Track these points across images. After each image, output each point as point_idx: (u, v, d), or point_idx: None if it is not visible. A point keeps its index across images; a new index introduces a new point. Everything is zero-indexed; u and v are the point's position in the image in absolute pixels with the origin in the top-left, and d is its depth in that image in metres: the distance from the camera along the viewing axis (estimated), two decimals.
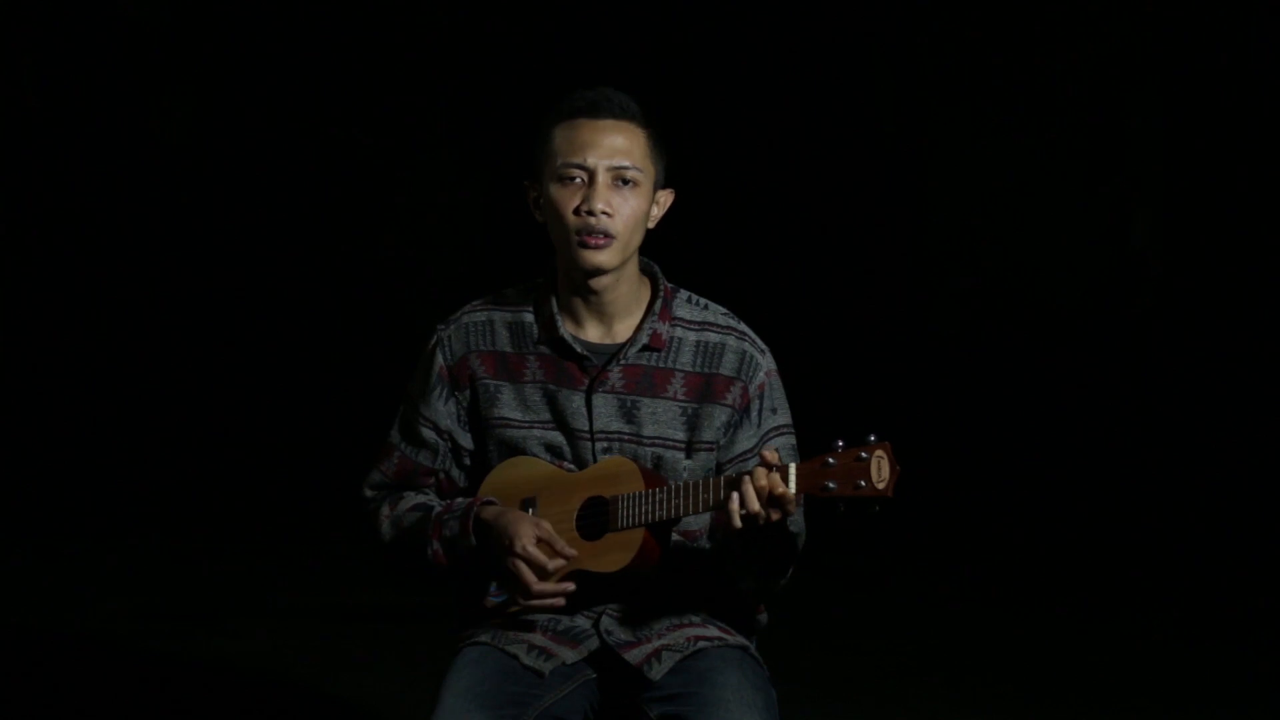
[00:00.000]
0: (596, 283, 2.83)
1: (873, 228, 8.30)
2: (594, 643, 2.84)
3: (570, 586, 2.77)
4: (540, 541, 2.76)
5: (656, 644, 2.84)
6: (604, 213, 2.78)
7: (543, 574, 2.76)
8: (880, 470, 2.61)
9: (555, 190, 2.81)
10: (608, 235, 2.79)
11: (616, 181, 2.80)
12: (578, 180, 2.80)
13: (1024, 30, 7.94)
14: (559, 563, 2.76)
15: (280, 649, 5.20)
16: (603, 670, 2.85)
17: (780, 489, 2.63)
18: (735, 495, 2.66)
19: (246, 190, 8.47)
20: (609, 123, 2.80)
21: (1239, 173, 7.59)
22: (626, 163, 2.79)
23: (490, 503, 2.84)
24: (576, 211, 2.79)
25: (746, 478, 2.66)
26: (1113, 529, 6.94)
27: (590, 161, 2.79)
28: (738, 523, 2.66)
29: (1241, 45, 7.55)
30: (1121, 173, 7.88)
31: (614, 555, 2.77)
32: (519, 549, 2.75)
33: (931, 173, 8.21)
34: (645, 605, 2.86)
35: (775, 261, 8.32)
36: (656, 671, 2.80)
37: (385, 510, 2.92)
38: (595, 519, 2.79)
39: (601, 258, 2.80)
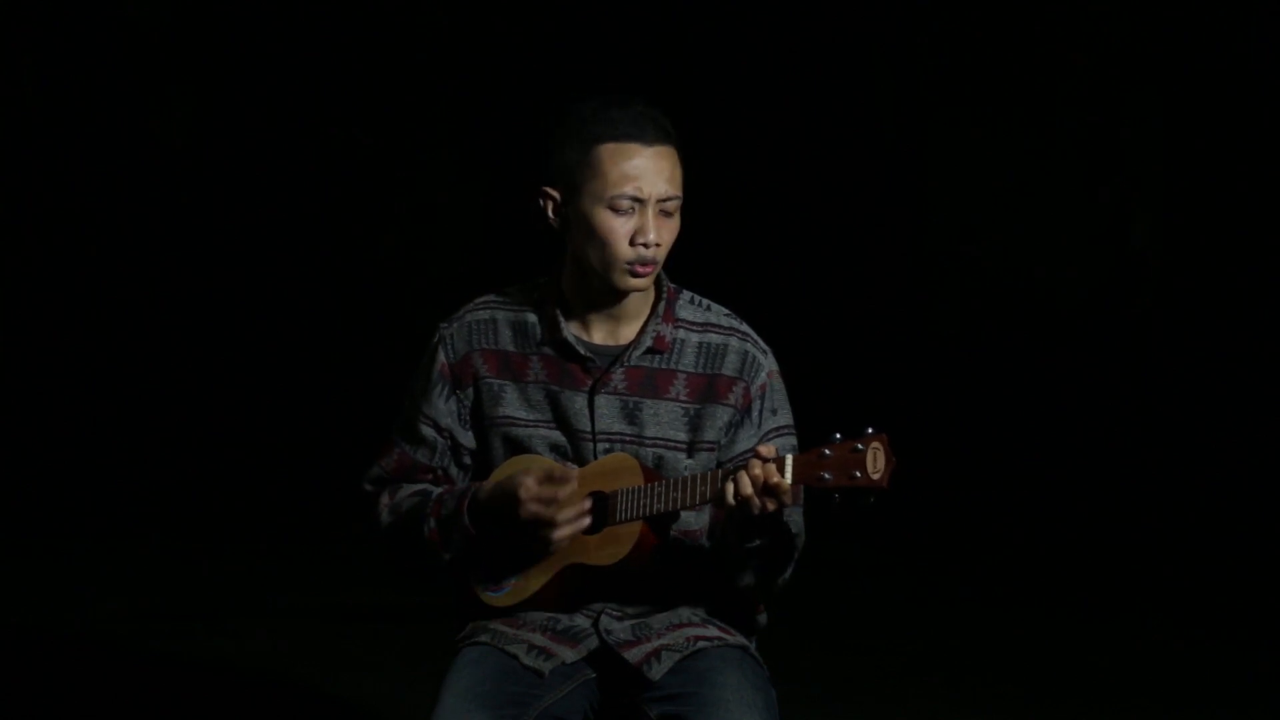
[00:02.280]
0: (624, 299, 2.85)
1: (873, 228, 8.30)
2: (593, 642, 2.84)
3: (587, 504, 2.78)
4: (542, 481, 2.76)
5: (656, 643, 2.84)
6: (657, 244, 2.79)
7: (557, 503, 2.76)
8: (876, 462, 2.62)
9: (603, 215, 2.79)
10: (655, 264, 2.81)
11: (663, 212, 2.81)
12: (631, 210, 2.80)
13: (1024, 30, 7.94)
14: (568, 488, 2.76)
15: (280, 649, 5.20)
16: (602, 670, 2.85)
17: (776, 478, 2.64)
18: (731, 485, 2.67)
19: (246, 190, 8.47)
20: (657, 149, 2.80)
21: (1239, 173, 7.59)
22: (673, 193, 2.80)
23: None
24: (632, 242, 2.79)
25: (743, 469, 2.66)
26: (1113, 529, 6.94)
27: (645, 191, 2.79)
28: (732, 502, 2.66)
29: (1241, 45, 7.55)
30: (1121, 173, 7.88)
31: (611, 548, 2.78)
32: (525, 494, 2.76)
33: (931, 173, 8.20)
34: (645, 605, 2.87)
35: (775, 262, 8.32)
36: (656, 671, 2.81)
37: (384, 499, 2.93)
38: (595, 514, 2.79)
39: (643, 283, 2.82)
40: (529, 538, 2.80)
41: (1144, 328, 7.84)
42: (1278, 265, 7.50)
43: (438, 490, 2.89)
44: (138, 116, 8.38)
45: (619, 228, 2.79)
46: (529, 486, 2.76)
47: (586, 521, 2.78)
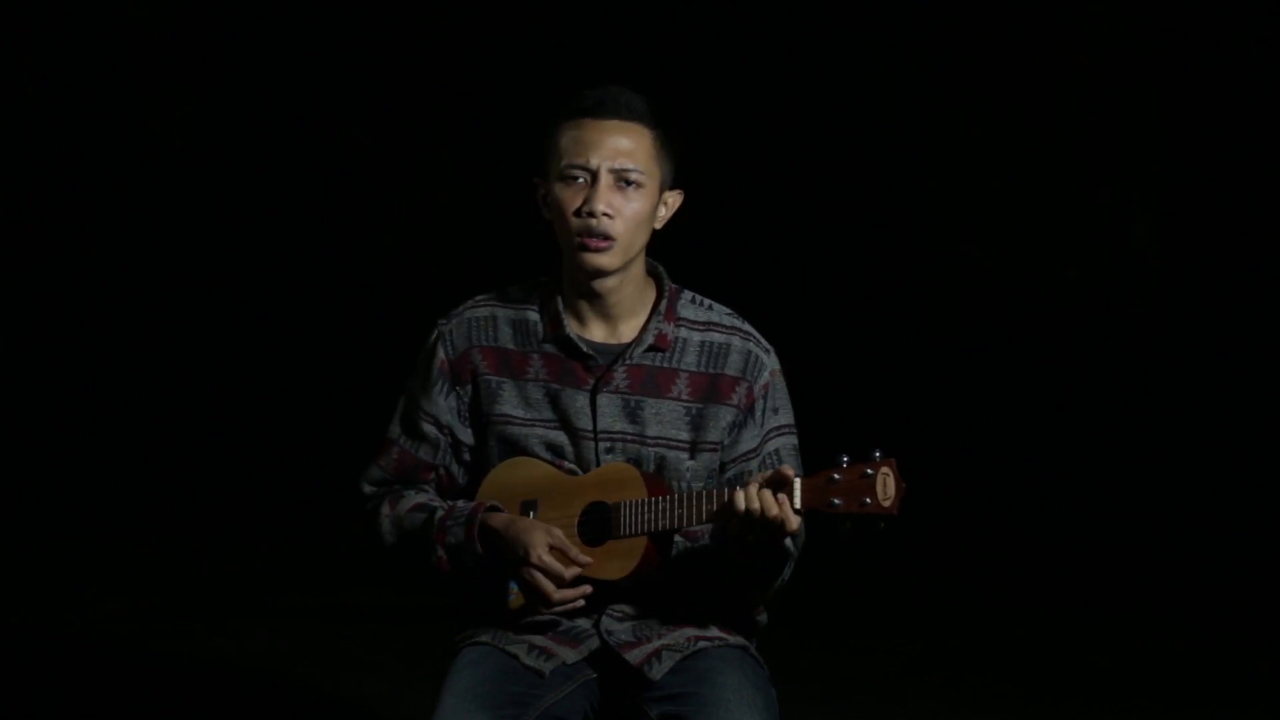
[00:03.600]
0: (600, 284, 2.83)
1: (873, 228, 8.30)
2: (594, 643, 2.84)
3: (587, 589, 2.77)
4: (553, 550, 2.76)
5: (657, 644, 2.83)
6: (605, 214, 2.78)
7: (560, 581, 2.76)
8: (885, 487, 2.60)
9: (559, 190, 2.81)
10: (608, 237, 2.79)
11: (619, 183, 2.80)
12: (581, 180, 2.80)
13: (1024, 30, 7.94)
14: (575, 570, 2.76)
15: (280, 649, 5.20)
16: (603, 670, 2.84)
17: (785, 507, 2.63)
18: (737, 509, 2.66)
19: (246, 190, 8.47)
20: (614, 123, 2.80)
21: (1239, 173, 7.59)
22: (630, 164, 2.79)
23: (495, 508, 2.84)
24: (578, 213, 2.79)
25: (752, 493, 2.65)
26: (1113, 529, 6.94)
27: (593, 162, 2.79)
28: (737, 526, 2.66)
29: (1241, 45, 7.55)
30: (1121, 173, 7.88)
31: (616, 563, 2.77)
32: (534, 559, 2.75)
33: (931, 173, 8.20)
34: (645, 605, 2.86)
35: (775, 262, 8.32)
36: (657, 671, 2.80)
37: (385, 510, 2.91)
38: (597, 525, 2.79)
39: (602, 260, 2.80)
40: (523, 585, 2.81)
41: (1144, 328, 7.84)
42: (1278, 265, 7.50)
43: (440, 511, 2.86)
44: (138, 116, 8.38)
45: (569, 199, 2.80)
46: (539, 554, 2.75)
47: (580, 605, 2.78)
